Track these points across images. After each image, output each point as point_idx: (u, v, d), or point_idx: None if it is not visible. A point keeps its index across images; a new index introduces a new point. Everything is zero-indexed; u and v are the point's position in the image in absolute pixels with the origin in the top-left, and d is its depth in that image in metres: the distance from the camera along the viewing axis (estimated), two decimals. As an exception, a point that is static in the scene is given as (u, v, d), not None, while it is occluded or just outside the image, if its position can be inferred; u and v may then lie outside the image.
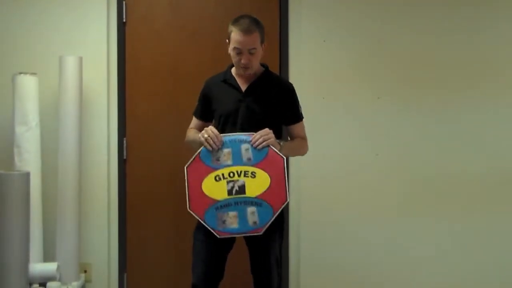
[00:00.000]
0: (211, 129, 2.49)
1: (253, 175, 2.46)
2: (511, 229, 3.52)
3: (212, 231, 2.45)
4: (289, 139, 2.70)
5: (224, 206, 2.45)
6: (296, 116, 2.65)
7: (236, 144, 2.48)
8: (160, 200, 3.55)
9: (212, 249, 2.56)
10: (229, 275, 2.68)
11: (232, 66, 2.65)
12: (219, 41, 3.47)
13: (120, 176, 3.50)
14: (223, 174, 2.47)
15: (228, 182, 2.46)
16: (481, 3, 3.52)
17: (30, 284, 3.07)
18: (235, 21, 2.52)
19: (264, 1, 3.52)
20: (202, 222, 2.46)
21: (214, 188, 2.46)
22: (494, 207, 3.52)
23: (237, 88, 2.60)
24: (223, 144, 2.48)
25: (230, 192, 2.46)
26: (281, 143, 2.52)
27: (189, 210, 2.47)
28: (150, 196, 3.55)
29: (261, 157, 2.46)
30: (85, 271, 3.42)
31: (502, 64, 3.52)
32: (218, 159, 2.48)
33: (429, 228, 3.52)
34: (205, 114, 2.68)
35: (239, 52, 2.51)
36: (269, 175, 2.45)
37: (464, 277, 3.52)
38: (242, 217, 2.44)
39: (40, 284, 3.12)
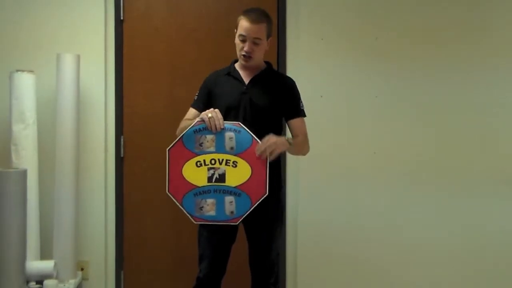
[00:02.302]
0: (216, 111, 2.48)
1: (235, 164, 2.46)
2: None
3: (188, 216, 2.48)
4: (290, 136, 2.70)
5: (203, 192, 2.47)
6: (296, 110, 2.65)
7: (220, 132, 2.46)
8: (157, 197, 3.54)
9: (216, 245, 2.61)
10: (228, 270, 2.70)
11: (236, 61, 2.67)
12: (217, 39, 3.50)
13: (117, 173, 3.50)
14: (204, 161, 2.47)
15: (209, 169, 2.47)
16: (481, 3, 3.53)
17: (27, 282, 3.07)
18: (246, 11, 2.57)
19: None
20: (179, 205, 2.48)
21: (195, 173, 2.47)
22: (496, 203, 3.54)
23: (241, 80, 2.61)
24: (207, 130, 2.46)
25: (210, 179, 2.47)
26: (290, 141, 2.52)
27: (167, 193, 2.49)
28: (147, 194, 3.55)
29: (244, 148, 2.46)
30: (82, 269, 3.42)
31: (503, 64, 3.54)
32: (201, 145, 2.47)
33: (428, 225, 3.53)
34: (206, 106, 2.65)
35: (243, 39, 2.54)
36: (250, 166, 2.46)
37: (468, 275, 3.54)
38: (220, 205, 2.46)
39: (37, 282, 3.12)
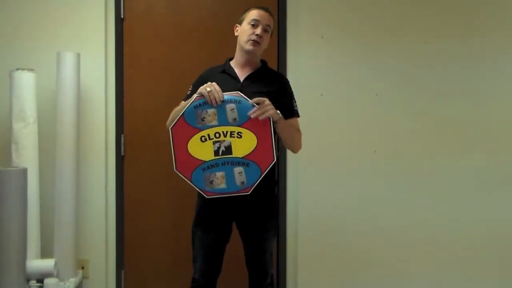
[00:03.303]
0: (213, 84, 2.45)
1: (240, 135, 2.44)
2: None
3: (199, 191, 2.47)
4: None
5: (211, 166, 2.45)
6: (290, 110, 2.63)
7: (221, 104, 2.44)
8: (157, 196, 3.55)
9: (211, 243, 2.60)
10: (224, 269, 2.70)
11: (231, 59, 2.67)
12: (218, 37, 3.50)
13: (118, 172, 3.50)
14: (208, 135, 2.45)
15: (214, 143, 2.45)
16: (481, 3, 3.53)
17: (28, 280, 3.07)
18: (255, 6, 2.62)
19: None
20: (189, 182, 2.46)
21: (200, 149, 2.45)
22: (496, 201, 3.55)
23: (236, 78, 2.61)
24: (207, 104, 2.43)
25: (216, 153, 2.45)
26: (280, 115, 2.48)
27: (175, 171, 2.46)
28: (148, 193, 3.55)
29: (247, 117, 2.43)
30: (83, 268, 3.42)
31: (503, 63, 3.54)
32: (203, 120, 2.45)
33: (429, 224, 3.53)
34: None
35: (256, 24, 2.55)
36: (255, 135, 2.43)
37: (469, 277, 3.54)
38: (230, 177, 2.45)
39: (38, 281, 3.12)
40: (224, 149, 2.45)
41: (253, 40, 2.55)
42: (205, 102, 2.44)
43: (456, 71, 3.52)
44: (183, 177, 2.46)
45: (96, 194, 3.45)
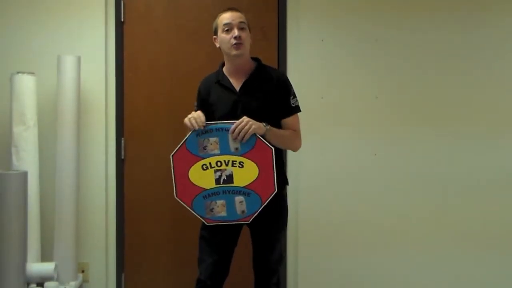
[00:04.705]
0: (197, 113, 2.47)
1: (241, 165, 2.44)
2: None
3: (200, 218, 2.48)
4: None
5: (212, 194, 2.46)
6: (288, 109, 2.59)
7: (223, 133, 2.44)
8: (158, 199, 3.55)
9: (218, 246, 2.59)
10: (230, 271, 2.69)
11: (223, 65, 2.65)
12: (218, 40, 3.49)
13: (118, 175, 3.50)
14: (210, 163, 2.45)
15: (215, 171, 2.45)
16: (479, 2, 3.53)
17: (28, 284, 3.06)
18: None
19: (262, 1, 3.52)
20: (189, 209, 2.46)
21: (202, 177, 2.45)
22: (494, 207, 3.53)
23: (231, 89, 2.58)
24: (210, 133, 2.44)
25: (217, 181, 2.45)
26: (267, 127, 2.46)
27: (176, 198, 2.47)
28: (148, 196, 3.55)
29: (249, 147, 2.43)
30: (83, 271, 3.42)
31: (504, 64, 3.54)
32: (205, 148, 2.45)
33: (429, 227, 3.53)
34: (206, 112, 2.56)
35: (229, 28, 2.53)
36: (257, 165, 2.44)
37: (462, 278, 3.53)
38: (230, 206, 2.45)
39: (38, 284, 3.12)
40: (225, 178, 2.45)
41: (235, 44, 2.52)
42: (207, 131, 2.45)
43: (459, 76, 3.52)
44: (183, 204, 2.48)
45: (96, 197, 3.44)
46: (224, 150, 2.45)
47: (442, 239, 3.52)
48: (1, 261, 2.69)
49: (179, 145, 2.47)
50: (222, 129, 2.44)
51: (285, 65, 3.49)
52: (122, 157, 3.53)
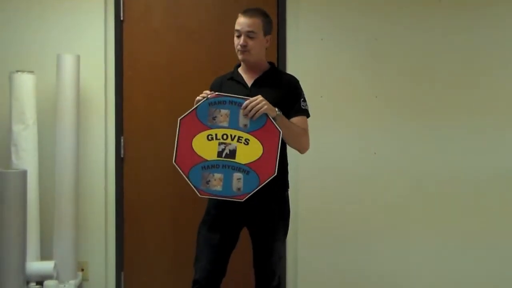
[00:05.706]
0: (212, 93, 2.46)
1: (247, 142, 2.42)
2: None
3: (194, 189, 2.43)
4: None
5: (211, 166, 2.43)
6: (297, 108, 2.59)
7: (235, 108, 2.42)
8: (157, 198, 3.55)
9: (216, 245, 2.56)
10: (230, 270, 2.67)
11: (239, 65, 2.67)
12: (217, 40, 3.49)
13: (118, 174, 3.50)
14: (216, 135, 2.43)
15: (219, 144, 2.43)
16: (480, 3, 3.53)
17: (27, 282, 3.07)
18: (244, 9, 2.59)
19: (261, 0, 3.52)
20: (185, 177, 2.43)
21: (205, 146, 2.43)
22: (492, 207, 3.53)
23: (243, 83, 2.61)
24: (223, 104, 2.42)
25: (220, 154, 2.43)
26: (278, 112, 2.46)
27: (173, 163, 2.43)
28: (148, 195, 3.55)
29: (258, 126, 2.42)
30: (82, 270, 3.42)
31: (502, 65, 3.54)
32: (214, 118, 2.43)
33: (428, 227, 3.53)
34: None
35: (238, 34, 2.55)
36: (262, 145, 2.42)
37: (460, 279, 3.54)
38: (227, 181, 2.42)
39: (37, 283, 3.12)
40: (228, 152, 2.43)
41: (239, 50, 2.56)
42: (220, 102, 2.43)
43: (458, 73, 3.52)
44: (180, 171, 2.43)
45: (95, 196, 3.44)
46: (233, 125, 2.42)
47: (442, 237, 3.52)
48: (1, 260, 2.70)
49: (189, 111, 2.44)
50: (235, 102, 2.42)
51: (284, 64, 3.49)
52: (122, 156, 3.53)
